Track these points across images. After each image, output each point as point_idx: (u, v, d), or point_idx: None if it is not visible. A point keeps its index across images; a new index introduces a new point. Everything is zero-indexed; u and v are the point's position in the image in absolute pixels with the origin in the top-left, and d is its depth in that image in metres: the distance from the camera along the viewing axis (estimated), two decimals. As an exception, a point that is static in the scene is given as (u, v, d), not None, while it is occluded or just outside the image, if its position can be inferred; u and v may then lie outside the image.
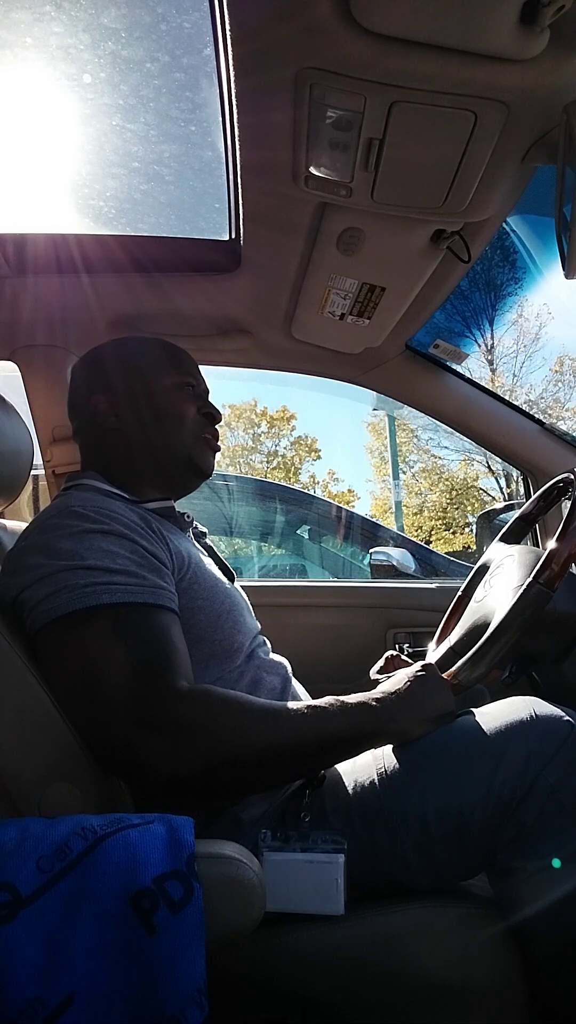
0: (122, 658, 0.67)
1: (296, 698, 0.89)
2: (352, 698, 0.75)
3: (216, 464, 1.00)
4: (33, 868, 0.52)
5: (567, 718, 0.72)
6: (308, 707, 0.72)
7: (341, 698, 0.74)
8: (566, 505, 0.99)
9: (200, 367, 1.03)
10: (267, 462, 17.51)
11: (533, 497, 1.12)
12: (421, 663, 0.83)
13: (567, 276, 0.79)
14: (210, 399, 1.02)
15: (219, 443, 1.01)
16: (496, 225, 0.99)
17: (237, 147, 0.84)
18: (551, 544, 0.81)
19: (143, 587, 0.72)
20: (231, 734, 0.67)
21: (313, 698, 0.95)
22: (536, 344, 14.80)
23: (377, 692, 0.78)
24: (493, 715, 0.75)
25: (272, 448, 17.67)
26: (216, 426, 1.00)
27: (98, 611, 0.69)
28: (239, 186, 0.92)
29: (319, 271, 1.09)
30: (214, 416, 0.99)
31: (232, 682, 0.82)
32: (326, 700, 0.74)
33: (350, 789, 0.76)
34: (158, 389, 0.95)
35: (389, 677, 1.15)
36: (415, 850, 0.72)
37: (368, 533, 3.25)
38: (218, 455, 1.01)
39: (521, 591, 0.80)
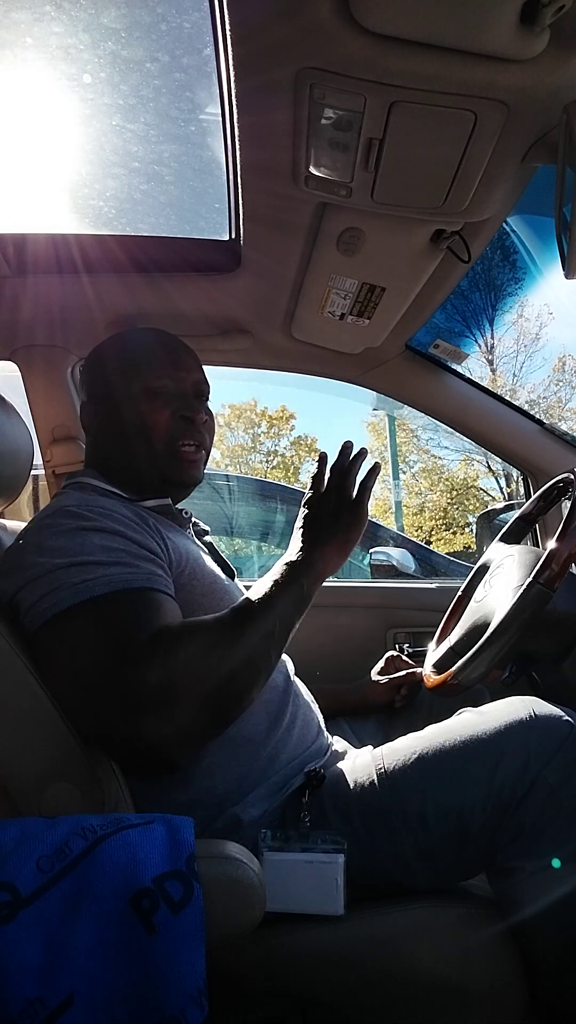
0: (103, 648, 0.66)
1: (298, 696, 0.90)
2: (271, 572, 0.79)
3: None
4: (33, 868, 0.52)
5: (567, 718, 0.72)
6: (249, 601, 0.74)
7: (263, 578, 0.78)
8: (566, 505, 0.99)
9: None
10: (267, 462, 17.49)
11: (533, 497, 1.12)
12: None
13: (567, 276, 0.79)
14: (198, 394, 0.95)
15: (199, 453, 0.94)
16: (496, 225, 0.99)
17: (237, 147, 0.84)
18: (551, 544, 0.81)
19: (137, 574, 0.72)
20: (202, 662, 0.66)
21: (314, 698, 0.95)
22: (536, 344, 14.82)
23: (288, 552, 0.84)
24: (493, 715, 0.75)
25: (272, 448, 17.66)
26: (197, 430, 0.93)
27: (89, 604, 0.68)
28: (239, 186, 0.92)
29: (319, 271, 1.09)
30: (191, 419, 0.91)
31: None
32: (255, 587, 0.77)
33: (350, 789, 0.76)
34: (127, 398, 0.90)
35: (390, 678, 1.15)
36: (415, 850, 0.72)
37: (368, 533, 3.24)
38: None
39: (521, 591, 0.80)
